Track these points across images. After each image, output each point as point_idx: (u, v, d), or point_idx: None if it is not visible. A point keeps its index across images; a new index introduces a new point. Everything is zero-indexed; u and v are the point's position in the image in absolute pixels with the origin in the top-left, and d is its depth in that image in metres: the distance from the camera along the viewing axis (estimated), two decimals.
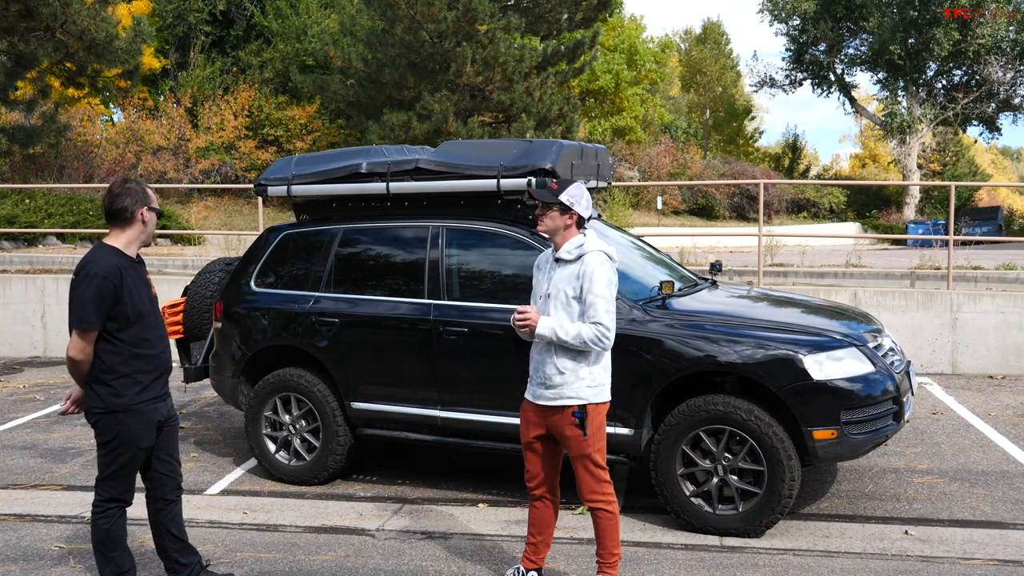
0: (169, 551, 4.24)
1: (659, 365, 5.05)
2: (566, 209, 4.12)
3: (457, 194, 5.72)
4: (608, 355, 4.19)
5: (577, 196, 4.14)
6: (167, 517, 4.21)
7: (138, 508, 4.27)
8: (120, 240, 3.95)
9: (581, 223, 4.18)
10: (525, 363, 5.32)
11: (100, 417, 3.92)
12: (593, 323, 4.01)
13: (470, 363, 5.54)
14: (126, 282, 3.85)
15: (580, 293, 4.06)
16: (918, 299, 9.68)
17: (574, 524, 5.28)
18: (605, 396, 4.17)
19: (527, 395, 4.28)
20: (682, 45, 51.85)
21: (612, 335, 4.05)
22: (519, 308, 4.10)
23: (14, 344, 11.30)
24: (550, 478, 4.33)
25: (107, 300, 3.80)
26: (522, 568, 4.41)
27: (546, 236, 4.20)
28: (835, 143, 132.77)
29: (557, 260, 4.18)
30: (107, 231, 4.00)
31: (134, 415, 3.92)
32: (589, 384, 4.10)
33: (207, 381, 6.84)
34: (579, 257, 4.12)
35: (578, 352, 4.08)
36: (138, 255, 4.04)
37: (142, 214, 3.94)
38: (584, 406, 4.08)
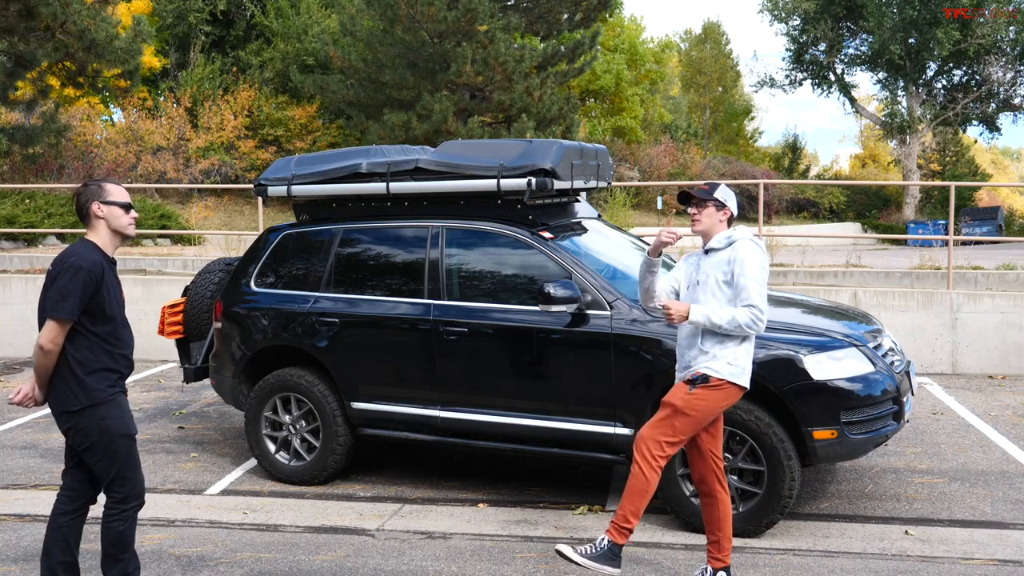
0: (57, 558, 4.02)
1: (659, 365, 5.05)
2: (721, 206, 4.26)
3: (457, 194, 5.72)
4: (752, 342, 4.24)
5: (729, 195, 4.30)
6: (71, 527, 4.03)
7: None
8: (96, 239, 3.96)
9: (731, 221, 4.31)
10: (525, 363, 5.29)
11: (78, 415, 3.85)
12: (746, 306, 4.07)
13: (470, 363, 5.54)
14: (106, 279, 3.88)
15: (731, 277, 4.14)
16: (918, 299, 9.67)
17: (574, 524, 5.28)
18: (742, 380, 4.17)
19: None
20: (682, 45, 51.80)
21: (766, 318, 4.10)
22: (662, 303, 4.17)
23: (14, 344, 11.29)
24: (708, 470, 4.32)
25: (88, 292, 3.81)
26: (709, 568, 4.33)
27: (699, 235, 4.30)
28: (835, 143, 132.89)
29: (707, 251, 4.28)
30: None
31: (113, 406, 3.91)
32: (729, 362, 4.14)
33: (207, 381, 6.84)
34: (730, 244, 4.22)
35: (724, 336, 4.13)
36: (112, 256, 4.05)
37: (94, 210, 3.92)
38: (706, 375, 4.11)
